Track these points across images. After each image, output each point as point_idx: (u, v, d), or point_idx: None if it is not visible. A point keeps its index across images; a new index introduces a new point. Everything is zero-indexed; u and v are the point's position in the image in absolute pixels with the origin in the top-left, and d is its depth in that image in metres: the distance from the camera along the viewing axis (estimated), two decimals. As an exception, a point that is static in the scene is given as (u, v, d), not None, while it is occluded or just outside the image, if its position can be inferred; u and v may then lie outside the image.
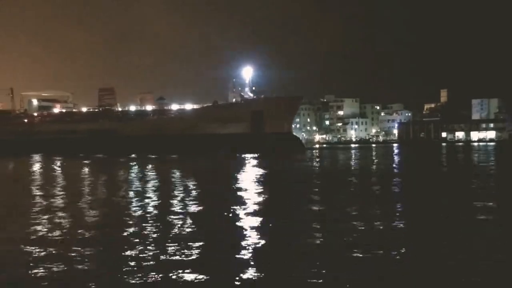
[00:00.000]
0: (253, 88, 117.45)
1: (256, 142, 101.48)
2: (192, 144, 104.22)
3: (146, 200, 26.49)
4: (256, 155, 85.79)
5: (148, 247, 15.38)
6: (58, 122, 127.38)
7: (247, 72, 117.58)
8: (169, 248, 15.13)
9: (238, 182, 36.20)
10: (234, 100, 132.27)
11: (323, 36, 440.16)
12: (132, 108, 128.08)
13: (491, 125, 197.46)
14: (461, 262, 13.36)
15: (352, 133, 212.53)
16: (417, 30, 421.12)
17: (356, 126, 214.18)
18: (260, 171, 48.10)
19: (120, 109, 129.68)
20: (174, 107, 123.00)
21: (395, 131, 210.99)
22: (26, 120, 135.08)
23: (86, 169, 56.73)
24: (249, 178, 38.95)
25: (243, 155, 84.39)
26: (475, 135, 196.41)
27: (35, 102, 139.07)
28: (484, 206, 22.84)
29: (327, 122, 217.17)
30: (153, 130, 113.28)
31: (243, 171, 47.81)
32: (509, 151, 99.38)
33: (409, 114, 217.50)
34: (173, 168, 53.89)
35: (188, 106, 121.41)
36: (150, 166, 59.52)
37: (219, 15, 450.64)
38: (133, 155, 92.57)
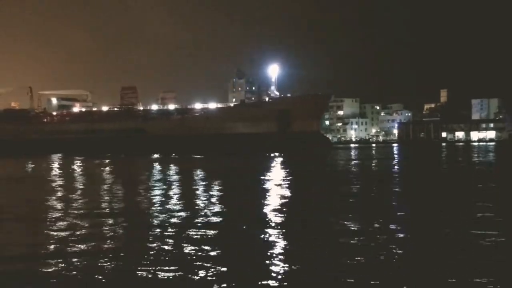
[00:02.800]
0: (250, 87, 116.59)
1: (284, 141, 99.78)
2: (218, 143, 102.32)
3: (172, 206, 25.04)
4: (283, 154, 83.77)
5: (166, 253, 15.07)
6: (79, 122, 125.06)
7: (273, 70, 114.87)
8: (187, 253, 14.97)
9: (261, 184, 34.93)
10: (234, 99, 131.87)
11: (323, 36, 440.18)
12: (154, 107, 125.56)
13: (491, 125, 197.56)
14: (461, 262, 13.32)
15: (352, 133, 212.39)
16: (417, 30, 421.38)
17: (356, 126, 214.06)
18: (285, 172, 46.85)
19: (141, 108, 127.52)
20: (198, 106, 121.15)
21: (395, 131, 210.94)
22: (45, 120, 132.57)
23: (112, 171, 54.15)
24: (272, 180, 37.72)
25: (270, 155, 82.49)
26: (475, 135, 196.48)
27: (54, 101, 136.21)
28: (484, 206, 22.80)
29: (327, 122, 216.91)
30: (179, 129, 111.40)
31: (268, 172, 46.10)
32: (510, 151, 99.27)
33: (409, 114, 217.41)
34: (199, 169, 52.35)
35: (212, 105, 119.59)
36: (179, 167, 57.81)
37: (218, 15, 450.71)
38: (158, 155, 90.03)
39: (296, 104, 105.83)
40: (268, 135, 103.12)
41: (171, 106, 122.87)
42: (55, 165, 65.58)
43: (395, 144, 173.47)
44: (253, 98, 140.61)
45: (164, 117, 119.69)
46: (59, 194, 30.71)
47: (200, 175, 44.46)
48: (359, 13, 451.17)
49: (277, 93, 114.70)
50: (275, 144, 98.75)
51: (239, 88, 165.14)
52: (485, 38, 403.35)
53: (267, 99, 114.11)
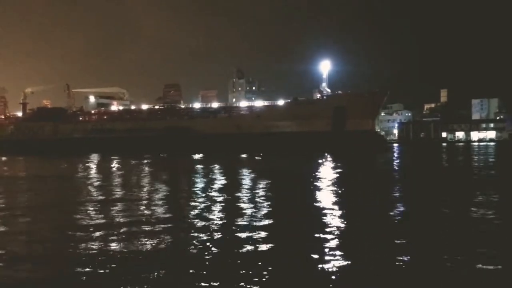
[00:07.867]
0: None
1: (339, 140, 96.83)
2: (269, 142, 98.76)
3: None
4: (339, 154, 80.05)
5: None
6: (119, 120, 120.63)
7: (325, 67, 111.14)
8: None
9: (314, 185, 32.38)
10: (234, 100, 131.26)
11: (321, 36, 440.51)
12: (196, 105, 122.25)
13: (491, 125, 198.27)
14: (461, 262, 13.26)
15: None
16: (418, 30, 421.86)
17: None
18: (339, 174, 43.49)
19: (183, 106, 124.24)
20: (243, 104, 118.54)
21: (395, 131, 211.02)
22: (81, 118, 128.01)
23: (162, 171, 49.82)
24: (325, 181, 35.06)
25: (323, 154, 78.16)
26: (475, 135, 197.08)
27: (92, 99, 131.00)
28: (485, 206, 22.72)
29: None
30: (226, 128, 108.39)
31: (321, 173, 43.09)
32: (510, 151, 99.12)
33: (409, 114, 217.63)
34: (248, 168, 49.68)
35: (258, 103, 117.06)
36: (228, 166, 55.02)
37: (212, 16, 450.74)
38: (205, 154, 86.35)
39: (352, 101, 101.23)
40: (321, 133, 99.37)
41: (214, 104, 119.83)
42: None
43: (395, 144, 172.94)
44: (253, 98, 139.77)
45: (211, 115, 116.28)
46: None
47: (250, 175, 42.08)
48: (359, 13, 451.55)
49: (329, 90, 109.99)
50: (329, 143, 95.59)
51: (239, 88, 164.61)
52: (485, 38, 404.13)
53: (318, 96, 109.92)
